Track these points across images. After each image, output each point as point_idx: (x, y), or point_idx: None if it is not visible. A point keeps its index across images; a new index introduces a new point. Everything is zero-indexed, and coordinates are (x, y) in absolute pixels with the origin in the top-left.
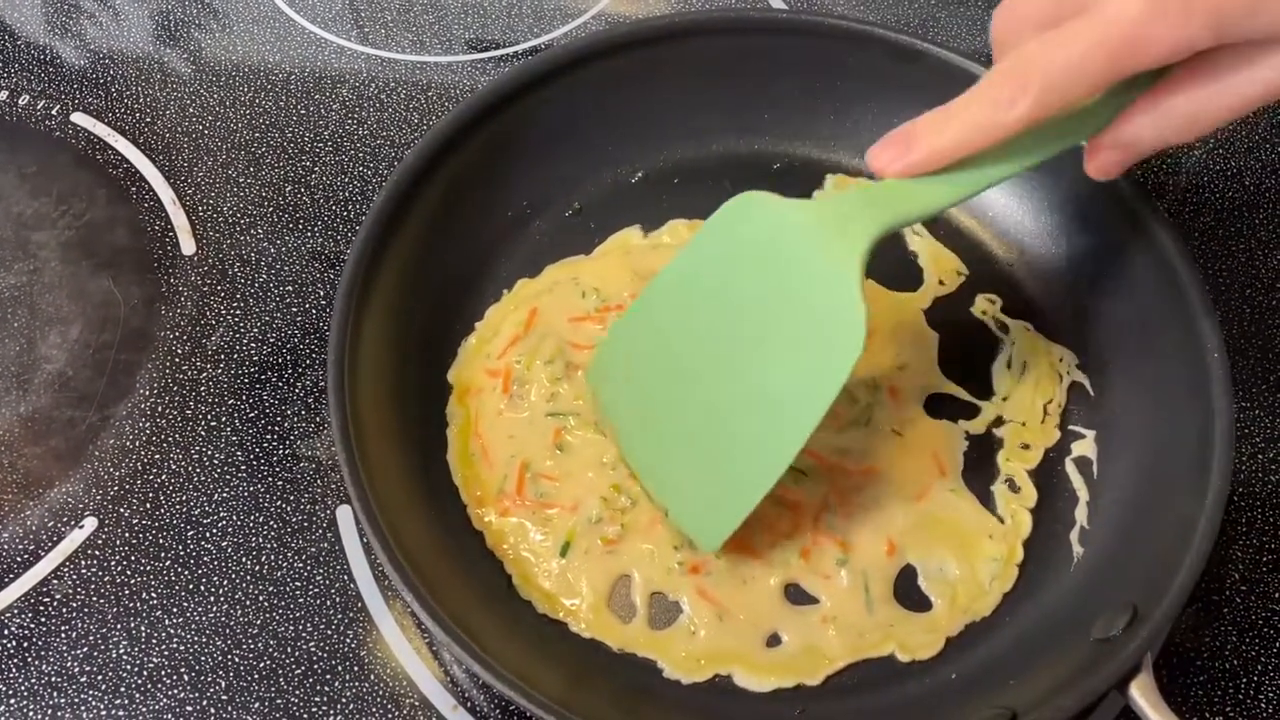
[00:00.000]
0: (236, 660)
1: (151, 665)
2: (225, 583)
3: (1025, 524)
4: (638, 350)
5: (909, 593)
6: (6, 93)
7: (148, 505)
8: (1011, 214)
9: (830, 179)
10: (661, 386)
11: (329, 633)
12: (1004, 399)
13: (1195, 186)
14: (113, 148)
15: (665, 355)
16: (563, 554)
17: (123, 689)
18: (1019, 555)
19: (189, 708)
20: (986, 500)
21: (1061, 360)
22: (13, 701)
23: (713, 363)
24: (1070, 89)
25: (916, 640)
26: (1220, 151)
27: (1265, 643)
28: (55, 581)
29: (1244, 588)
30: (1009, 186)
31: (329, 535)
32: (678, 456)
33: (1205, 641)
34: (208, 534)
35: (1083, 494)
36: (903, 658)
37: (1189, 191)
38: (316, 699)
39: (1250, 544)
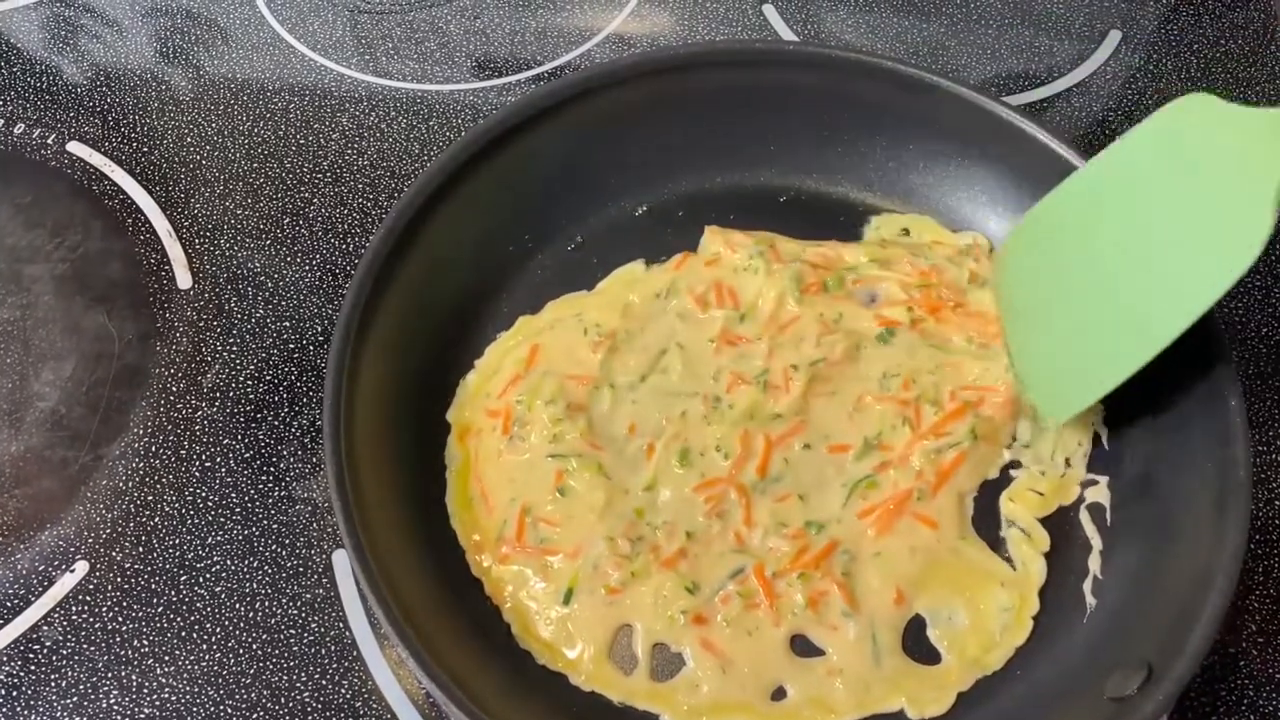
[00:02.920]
0: (229, 711)
1: (143, 715)
2: (218, 630)
3: (1038, 572)
4: (1055, 225)
5: (918, 644)
6: (2, 121)
7: (140, 549)
8: None
9: (873, 221)
10: (1064, 263)
11: (324, 682)
12: (1024, 445)
13: None
14: (109, 178)
15: (1077, 232)
16: (566, 602)
17: None
18: (1034, 606)
19: None
20: (997, 546)
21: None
22: None
23: (1119, 244)
24: None
25: (926, 695)
26: None
27: None
28: (45, 628)
29: (1261, 639)
30: None
31: (324, 581)
32: (1058, 330)
33: (1221, 695)
34: (201, 579)
35: (1096, 542)
36: (912, 714)
37: None
38: None
39: (1268, 594)
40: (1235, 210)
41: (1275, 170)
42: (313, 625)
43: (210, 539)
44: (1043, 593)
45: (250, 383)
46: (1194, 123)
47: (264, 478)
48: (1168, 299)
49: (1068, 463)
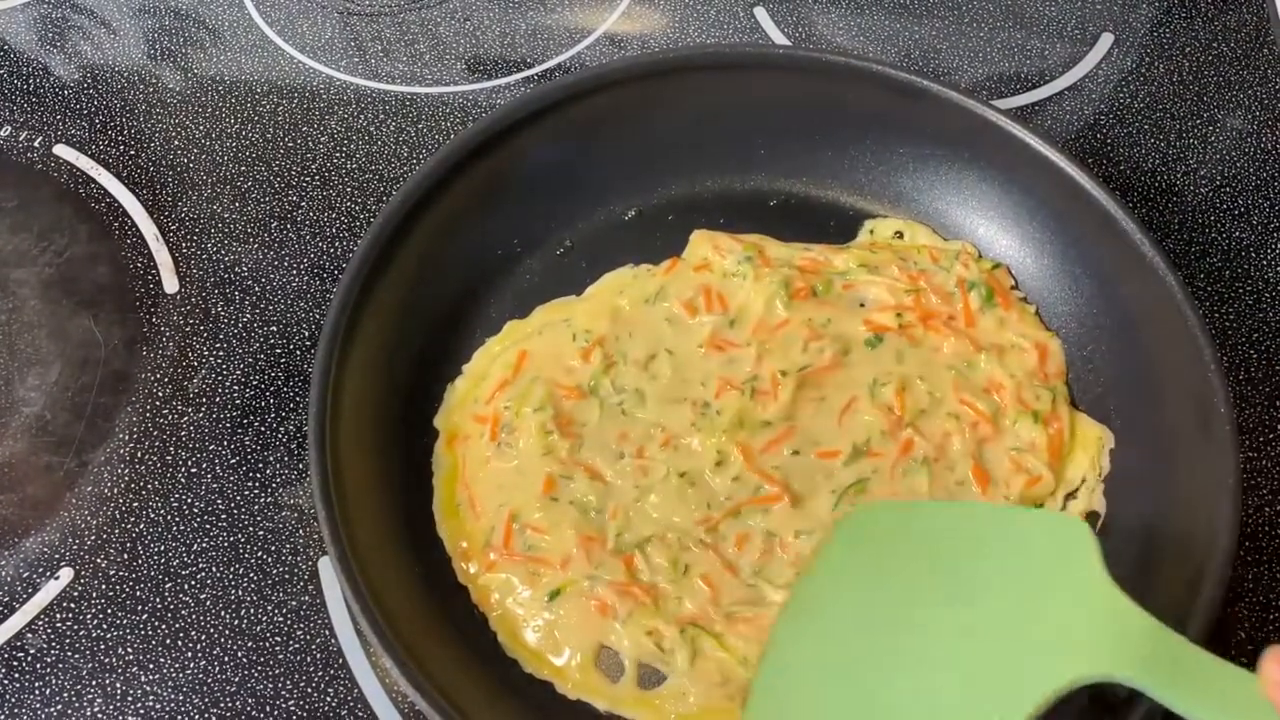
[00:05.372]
0: (214, 719)
1: None
2: (203, 638)
3: None
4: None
5: None
6: None
7: (125, 556)
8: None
9: (867, 224)
10: (857, 600)
11: (309, 690)
12: None
13: (1201, 226)
14: (95, 181)
15: (885, 576)
16: (552, 608)
17: None
18: None
19: None
20: None
21: (1101, 440)
22: None
23: (910, 615)
24: None
25: None
26: (1227, 190)
27: None
28: (30, 635)
29: (1250, 647)
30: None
31: (310, 588)
32: (814, 666)
33: None
34: (186, 586)
35: None
36: None
37: (1194, 232)
38: None
39: (1257, 600)
40: (1018, 674)
41: (1080, 667)
42: (298, 632)
43: (196, 545)
44: None
45: (237, 388)
46: (1062, 544)
47: (250, 484)
48: (912, 707)
49: (1070, 495)
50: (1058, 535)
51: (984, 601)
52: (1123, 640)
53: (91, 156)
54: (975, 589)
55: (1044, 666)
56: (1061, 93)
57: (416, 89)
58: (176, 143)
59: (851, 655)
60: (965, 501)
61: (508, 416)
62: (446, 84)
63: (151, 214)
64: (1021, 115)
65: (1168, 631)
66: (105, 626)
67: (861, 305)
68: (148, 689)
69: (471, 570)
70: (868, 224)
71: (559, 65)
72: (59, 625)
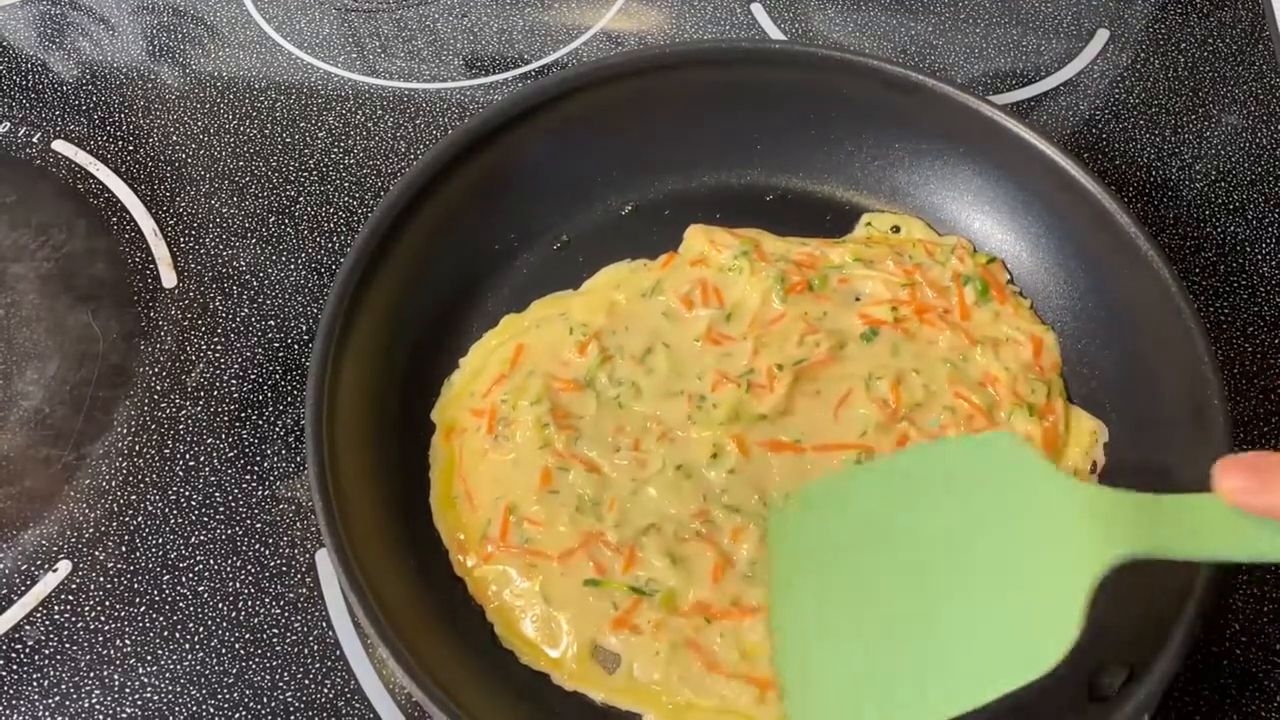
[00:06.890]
0: (211, 710)
1: (125, 715)
2: (201, 629)
3: None
4: (836, 522)
5: None
6: None
7: (123, 548)
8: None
9: (865, 218)
10: (847, 576)
11: (306, 682)
12: None
13: (1196, 221)
14: (94, 177)
15: (864, 545)
16: (549, 601)
17: None
18: None
19: None
20: None
21: (1095, 433)
22: None
23: (909, 577)
24: None
25: None
26: (1222, 185)
27: (1266, 696)
28: (28, 627)
29: (1244, 639)
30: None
31: (307, 580)
32: (836, 648)
33: (1205, 695)
34: (184, 578)
35: None
36: None
37: (1190, 226)
38: None
39: (1251, 593)
40: (1045, 594)
41: (1092, 565)
42: (296, 625)
43: (193, 538)
44: None
45: (235, 382)
46: (1007, 466)
47: (248, 477)
48: (956, 665)
49: None
50: (992, 457)
51: (960, 550)
52: (1109, 525)
53: (90, 152)
54: (946, 539)
55: (1062, 588)
56: (1057, 88)
57: (414, 85)
58: (175, 139)
59: (857, 636)
60: (885, 457)
61: (504, 410)
62: (444, 80)
63: (150, 209)
64: (1018, 111)
65: (1137, 495)
66: (103, 619)
67: (857, 299)
68: (145, 681)
69: (469, 563)
70: (864, 218)
71: (556, 61)
72: (57, 617)
